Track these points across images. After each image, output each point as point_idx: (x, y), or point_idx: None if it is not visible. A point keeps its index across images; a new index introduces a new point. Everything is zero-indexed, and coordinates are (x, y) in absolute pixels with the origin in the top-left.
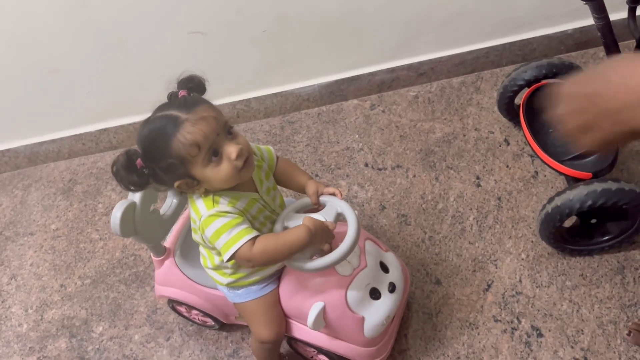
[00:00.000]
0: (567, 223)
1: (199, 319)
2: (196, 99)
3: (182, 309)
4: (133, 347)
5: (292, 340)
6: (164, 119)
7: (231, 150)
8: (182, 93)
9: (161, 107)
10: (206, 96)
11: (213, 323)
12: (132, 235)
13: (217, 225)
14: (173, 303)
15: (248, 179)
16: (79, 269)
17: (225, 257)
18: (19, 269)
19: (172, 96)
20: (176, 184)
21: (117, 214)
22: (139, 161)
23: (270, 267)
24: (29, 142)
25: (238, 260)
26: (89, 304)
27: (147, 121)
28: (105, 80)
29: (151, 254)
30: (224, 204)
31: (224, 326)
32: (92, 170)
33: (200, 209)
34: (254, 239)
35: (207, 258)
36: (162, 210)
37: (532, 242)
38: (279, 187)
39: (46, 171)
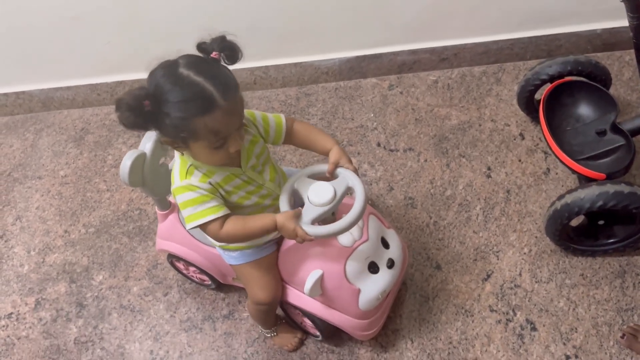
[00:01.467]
0: (574, 222)
1: (196, 277)
2: (235, 85)
3: (181, 265)
4: (131, 299)
5: (283, 303)
6: (202, 92)
7: (233, 144)
8: (215, 55)
9: (196, 64)
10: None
11: (210, 282)
12: (139, 186)
13: (184, 198)
14: (172, 258)
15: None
16: (84, 217)
17: (187, 226)
18: (25, 211)
19: (203, 50)
20: (164, 139)
21: (126, 162)
22: (147, 102)
23: (265, 238)
24: (45, 87)
25: (206, 233)
26: (91, 252)
27: (180, 77)
28: (126, 32)
29: (156, 207)
30: (196, 177)
31: (222, 287)
32: (104, 121)
33: (175, 176)
34: (222, 218)
35: None
36: (170, 165)
37: (536, 237)
38: (297, 159)
39: (59, 117)
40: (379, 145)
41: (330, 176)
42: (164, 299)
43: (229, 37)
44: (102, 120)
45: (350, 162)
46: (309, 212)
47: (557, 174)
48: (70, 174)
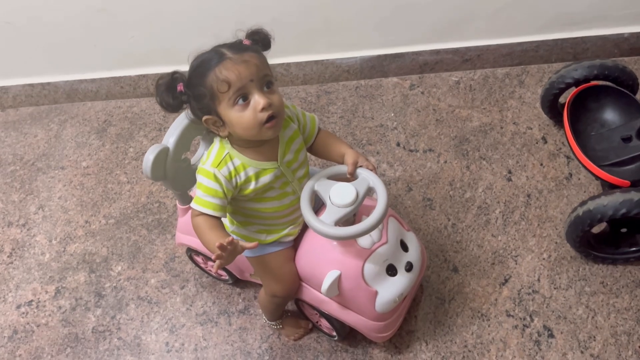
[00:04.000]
0: (596, 229)
1: (214, 271)
2: (250, 46)
3: (199, 259)
4: (148, 291)
5: (300, 301)
6: (213, 52)
7: (259, 100)
8: (245, 42)
9: (218, 45)
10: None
11: (227, 277)
12: (161, 180)
13: (203, 181)
14: (191, 252)
15: (272, 141)
16: (104, 208)
17: (191, 204)
18: (47, 200)
19: (236, 41)
20: (204, 118)
21: (149, 156)
22: (180, 85)
23: (281, 233)
24: (69, 79)
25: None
26: (111, 243)
27: (201, 52)
28: (150, 26)
29: (177, 202)
30: (226, 170)
31: (238, 282)
32: (127, 114)
33: (208, 158)
34: (206, 215)
35: None
36: (192, 160)
37: (556, 243)
38: (317, 158)
39: (83, 109)
40: (398, 145)
41: (351, 177)
42: (181, 292)
43: (258, 27)
44: (124, 112)
45: (368, 160)
46: (332, 214)
47: (579, 179)
48: (92, 165)
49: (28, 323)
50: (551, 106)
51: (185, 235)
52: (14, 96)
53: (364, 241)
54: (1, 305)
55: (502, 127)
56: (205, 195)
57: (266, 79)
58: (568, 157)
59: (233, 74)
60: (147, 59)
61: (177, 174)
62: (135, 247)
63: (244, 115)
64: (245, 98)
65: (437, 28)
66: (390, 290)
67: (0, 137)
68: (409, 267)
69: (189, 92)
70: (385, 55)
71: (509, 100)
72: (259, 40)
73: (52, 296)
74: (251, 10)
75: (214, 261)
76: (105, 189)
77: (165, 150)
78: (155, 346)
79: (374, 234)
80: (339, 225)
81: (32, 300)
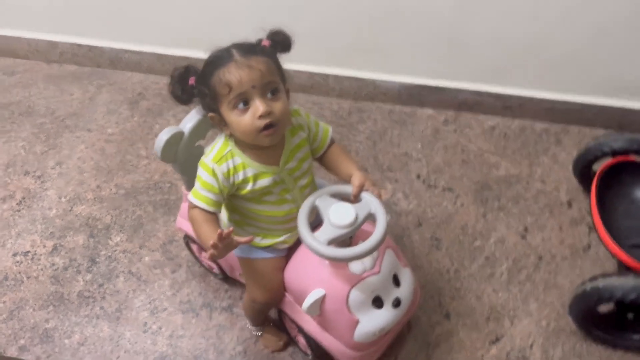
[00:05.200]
0: (603, 308)
1: (206, 263)
2: (263, 50)
3: (195, 248)
4: (140, 267)
5: (282, 312)
6: (224, 51)
7: (259, 107)
8: (265, 42)
9: (235, 43)
10: (291, 56)
11: (218, 272)
12: (170, 162)
13: (202, 175)
14: (188, 239)
15: (276, 146)
16: (118, 178)
17: (188, 197)
18: (67, 158)
19: (257, 41)
20: (209, 114)
21: (163, 137)
22: (192, 79)
23: (276, 239)
24: (116, 47)
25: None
26: (116, 212)
27: (217, 49)
28: (203, 12)
29: (183, 187)
30: (224, 167)
31: (228, 279)
32: (162, 91)
33: (211, 152)
34: (200, 208)
35: None
36: (207, 148)
37: (558, 312)
38: (327, 172)
39: (122, 78)
40: (418, 177)
41: (355, 199)
42: (171, 275)
43: (279, 28)
44: (159, 89)
45: (375, 185)
46: (327, 232)
47: (597, 253)
48: (116, 134)
49: (20, 272)
50: (583, 172)
51: (185, 221)
52: (61, 52)
53: (355, 267)
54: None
55: (528, 182)
56: (201, 188)
57: (271, 86)
58: (590, 228)
59: (235, 78)
60: (193, 42)
61: (188, 159)
62: (138, 222)
63: (242, 120)
64: (246, 103)
65: (484, 69)
66: (372, 322)
67: (39, 88)
68: (396, 303)
69: (199, 88)
70: (426, 86)
71: (542, 156)
72: (279, 41)
73: (48, 251)
74: (303, 13)
75: (207, 251)
76: (123, 159)
77: (179, 134)
78: (133, 323)
79: (367, 261)
80: (333, 246)
81: (28, 252)
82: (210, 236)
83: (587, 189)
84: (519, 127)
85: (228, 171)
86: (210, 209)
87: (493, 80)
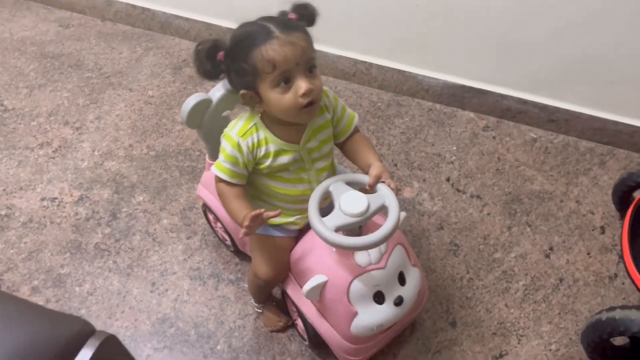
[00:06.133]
0: (618, 341)
1: (220, 234)
2: (298, 25)
3: (211, 217)
4: (157, 229)
5: (285, 293)
6: (260, 27)
7: (302, 85)
8: (291, 15)
9: (265, 17)
10: (336, 41)
11: (230, 244)
12: (195, 127)
13: (226, 147)
14: (206, 208)
15: (298, 126)
16: (151, 139)
17: (211, 169)
18: (106, 114)
19: (281, 14)
20: (242, 92)
21: (190, 101)
22: (221, 54)
23: (288, 219)
24: (168, 11)
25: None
26: (143, 173)
27: (246, 23)
28: None
29: (207, 155)
30: (249, 142)
31: (240, 254)
32: None
33: (235, 126)
34: (226, 181)
35: None
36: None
37: (570, 339)
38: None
39: (170, 43)
40: (448, 180)
41: (370, 190)
42: (186, 241)
43: (305, 1)
44: None
45: (392, 178)
46: (336, 219)
47: (623, 284)
48: (156, 96)
49: (44, 217)
50: (622, 198)
51: (205, 189)
52: (116, 11)
53: (361, 258)
54: (29, 193)
55: (562, 201)
56: (225, 161)
57: (311, 63)
58: (621, 258)
59: (280, 56)
60: (242, 15)
61: (213, 129)
62: (163, 185)
63: (284, 98)
64: (288, 81)
65: (534, 78)
66: (370, 316)
67: (91, 44)
68: (398, 301)
69: (229, 63)
70: (470, 88)
71: (581, 176)
72: (305, 15)
73: (74, 201)
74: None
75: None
76: (159, 122)
77: (207, 102)
78: (142, 282)
79: (373, 254)
80: (341, 233)
81: (56, 198)
82: (240, 212)
83: (624, 216)
84: (562, 143)
85: (252, 145)
86: (234, 181)
87: (541, 90)
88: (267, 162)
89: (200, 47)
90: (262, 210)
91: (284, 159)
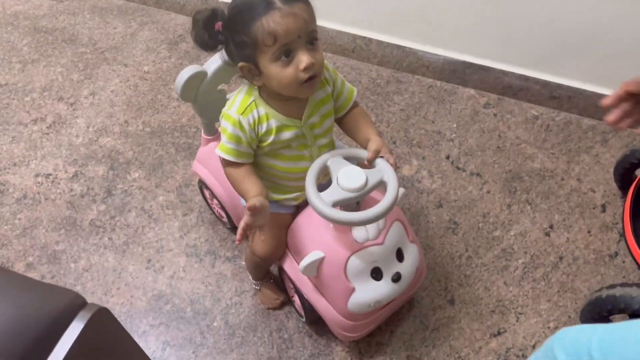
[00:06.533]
0: (617, 319)
1: (216, 211)
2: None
3: (207, 194)
4: (153, 205)
5: (281, 270)
6: None
7: (303, 59)
8: None
9: None
10: (334, 16)
11: (226, 221)
12: (189, 101)
13: (227, 127)
14: (202, 184)
15: (301, 99)
16: (146, 116)
17: (215, 151)
18: (100, 90)
19: None
20: (241, 64)
21: (184, 74)
22: (219, 24)
23: (287, 195)
24: None
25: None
26: (139, 149)
27: None
28: None
29: (202, 130)
30: (250, 119)
31: (236, 230)
32: None
33: (233, 104)
34: (233, 162)
35: None
36: (229, 95)
37: (569, 317)
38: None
39: (165, 18)
40: (447, 158)
41: (368, 164)
42: (182, 218)
43: None
44: None
45: (391, 153)
46: (333, 194)
47: (624, 262)
48: (152, 72)
49: (39, 193)
50: (624, 175)
51: (201, 165)
52: None
53: (359, 234)
54: (23, 169)
55: (562, 179)
56: (228, 142)
57: (312, 35)
58: (622, 236)
59: (281, 28)
60: None
61: (208, 101)
62: (159, 162)
63: (285, 72)
64: (289, 54)
65: (535, 53)
66: (368, 293)
67: (85, 18)
68: (396, 278)
69: (227, 35)
70: (471, 64)
71: (583, 154)
72: None
73: (69, 177)
74: None
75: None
76: (154, 98)
77: (201, 74)
78: (138, 258)
79: (371, 230)
80: (338, 208)
81: (50, 174)
82: (252, 191)
83: (625, 194)
84: (563, 121)
85: (254, 121)
86: (241, 160)
87: (543, 66)
88: (270, 139)
89: (197, 16)
90: (265, 204)
91: (286, 134)
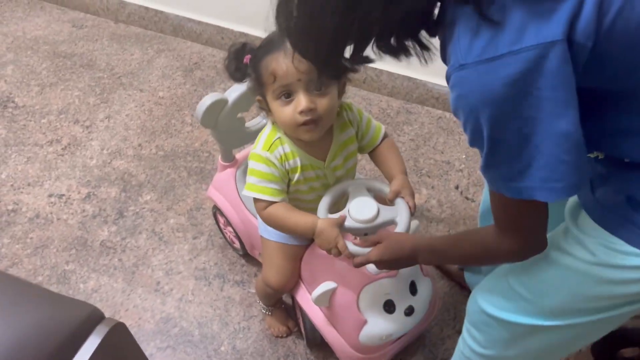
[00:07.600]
0: (629, 352)
1: (229, 237)
2: None
3: (221, 220)
4: (164, 228)
5: (293, 297)
6: (278, 36)
7: (301, 103)
8: None
9: None
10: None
11: (239, 247)
12: (209, 127)
13: (256, 167)
14: (217, 210)
15: (325, 140)
16: (160, 140)
17: (243, 192)
18: (116, 114)
19: None
20: (257, 97)
21: (206, 101)
22: (247, 57)
23: None
24: (180, 14)
25: (255, 205)
26: (152, 172)
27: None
28: None
29: (220, 156)
30: (277, 154)
31: (247, 256)
32: (217, 64)
33: (259, 142)
34: (272, 202)
35: None
36: (248, 123)
37: (579, 350)
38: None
39: (181, 46)
40: (457, 188)
41: (389, 202)
42: (192, 241)
43: None
44: (215, 62)
45: (413, 196)
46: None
47: None
48: (166, 97)
49: (51, 213)
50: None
51: (216, 191)
52: (129, 13)
53: (372, 266)
54: (37, 188)
55: None
56: (260, 181)
57: (317, 83)
58: None
59: (280, 69)
60: (252, 19)
61: (227, 128)
62: (170, 185)
63: (284, 111)
64: (289, 95)
65: None
66: (380, 325)
67: (103, 44)
68: (409, 311)
69: (251, 68)
70: None
71: None
72: None
73: (81, 198)
74: None
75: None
76: (168, 122)
77: (222, 102)
78: (147, 281)
79: None
80: (351, 237)
81: (63, 195)
82: (305, 222)
83: None
84: None
85: (281, 157)
86: (276, 199)
87: None
88: (296, 177)
89: (231, 48)
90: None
91: (310, 173)
